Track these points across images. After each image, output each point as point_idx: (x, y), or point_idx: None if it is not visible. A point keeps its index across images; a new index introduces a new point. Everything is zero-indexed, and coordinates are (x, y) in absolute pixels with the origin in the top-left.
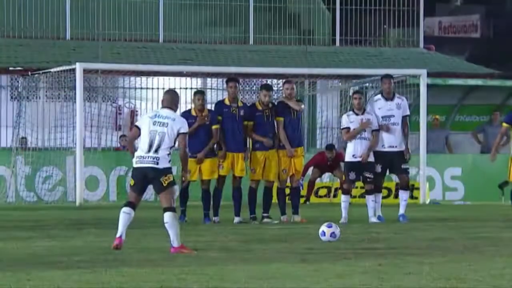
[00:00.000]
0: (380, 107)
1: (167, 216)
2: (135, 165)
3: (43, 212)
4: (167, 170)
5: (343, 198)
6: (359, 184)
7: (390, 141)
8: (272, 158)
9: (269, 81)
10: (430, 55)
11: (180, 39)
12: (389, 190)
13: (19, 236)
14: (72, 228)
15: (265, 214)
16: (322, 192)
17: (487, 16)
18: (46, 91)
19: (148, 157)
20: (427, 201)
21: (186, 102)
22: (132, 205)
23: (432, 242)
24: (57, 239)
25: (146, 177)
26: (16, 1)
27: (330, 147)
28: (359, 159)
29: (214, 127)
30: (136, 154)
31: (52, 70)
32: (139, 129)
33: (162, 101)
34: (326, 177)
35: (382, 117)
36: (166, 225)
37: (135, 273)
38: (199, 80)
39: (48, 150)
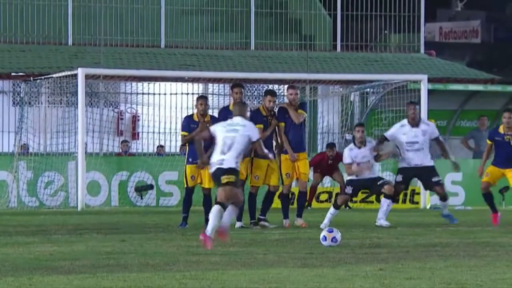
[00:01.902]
0: (405, 133)
1: (214, 208)
2: (211, 170)
3: (45, 217)
4: (231, 170)
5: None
6: None
7: (415, 161)
8: (275, 164)
9: (270, 87)
10: (431, 60)
11: (181, 45)
12: None
13: (21, 241)
14: (73, 233)
15: (261, 217)
16: (323, 197)
17: (487, 21)
18: (48, 97)
19: (218, 160)
20: (428, 206)
21: (187, 107)
22: (223, 205)
23: (432, 247)
24: (58, 244)
25: (216, 177)
26: (18, 6)
27: (331, 145)
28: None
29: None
30: (211, 159)
31: (54, 75)
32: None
33: (234, 110)
34: (327, 182)
35: (407, 143)
36: (210, 214)
37: (136, 277)
38: (201, 86)
39: (50, 155)
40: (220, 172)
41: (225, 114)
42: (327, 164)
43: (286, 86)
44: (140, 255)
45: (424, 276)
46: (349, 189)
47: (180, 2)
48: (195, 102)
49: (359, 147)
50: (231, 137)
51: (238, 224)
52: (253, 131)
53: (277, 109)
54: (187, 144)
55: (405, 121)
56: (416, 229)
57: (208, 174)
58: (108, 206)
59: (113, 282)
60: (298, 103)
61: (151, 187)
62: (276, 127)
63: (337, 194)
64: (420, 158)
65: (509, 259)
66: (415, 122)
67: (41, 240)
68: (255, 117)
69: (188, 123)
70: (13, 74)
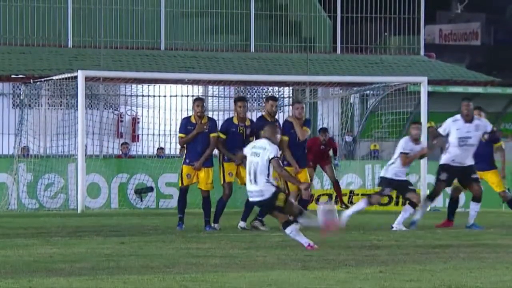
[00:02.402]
0: (458, 128)
1: (289, 229)
2: (250, 199)
3: (45, 219)
4: (273, 196)
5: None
6: (359, 191)
7: (461, 159)
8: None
9: (270, 89)
10: (431, 62)
11: (181, 47)
12: (390, 197)
13: (21, 243)
14: (73, 235)
15: (259, 218)
16: (323, 199)
17: (487, 24)
18: (48, 99)
19: (255, 191)
20: (428, 209)
21: (187, 109)
22: (290, 222)
23: (432, 249)
24: (58, 246)
25: (266, 208)
26: (18, 9)
27: (324, 129)
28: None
29: (212, 135)
30: (247, 188)
31: (54, 77)
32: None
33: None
34: (328, 184)
35: (459, 138)
36: (291, 234)
37: (136, 280)
38: (201, 88)
39: (50, 157)
40: (266, 203)
41: (228, 126)
42: (319, 149)
43: (287, 88)
44: (140, 257)
45: (424, 279)
46: (387, 191)
47: (180, 4)
48: (191, 104)
49: (415, 144)
50: (254, 163)
51: (241, 223)
52: (273, 151)
53: (282, 122)
54: (185, 146)
55: (458, 116)
56: (416, 232)
57: (204, 176)
58: (108, 208)
59: (113, 284)
60: (304, 119)
61: (151, 189)
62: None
63: (336, 197)
64: (467, 156)
65: (509, 261)
66: (469, 118)
67: (41, 242)
68: (262, 125)
69: (185, 125)
70: (13, 76)
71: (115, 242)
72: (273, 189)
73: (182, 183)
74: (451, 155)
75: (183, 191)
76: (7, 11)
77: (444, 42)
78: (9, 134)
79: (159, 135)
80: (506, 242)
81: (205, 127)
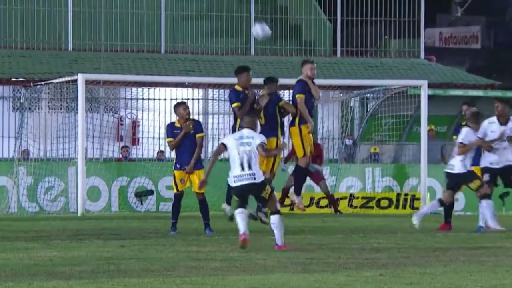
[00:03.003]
0: (493, 130)
1: (274, 218)
2: (234, 184)
3: (45, 222)
4: (263, 184)
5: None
6: (359, 194)
7: (500, 160)
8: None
9: None
10: (431, 66)
11: (181, 50)
12: (390, 200)
13: (21, 246)
14: (74, 239)
15: (262, 210)
16: (323, 202)
17: (487, 27)
18: (48, 102)
19: (244, 174)
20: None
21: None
22: (243, 205)
23: (432, 252)
24: (58, 249)
25: (250, 191)
26: (19, 12)
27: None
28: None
29: (198, 135)
30: (232, 174)
31: (54, 81)
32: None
33: (247, 122)
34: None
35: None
36: (272, 225)
37: (136, 283)
38: (201, 91)
39: (50, 160)
40: (256, 186)
41: (171, 129)
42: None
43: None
44: (140, 260)
45: (424, 282)
46: (486, 177)
47: (180, 7)
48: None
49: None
50: (247, 151)
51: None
52: (260, 138)
53: (296, 81)
54: (175, 150)
55: (493, 118)
56: (416, 235)
57: (197, 179)
58: (108, 211)
59: None
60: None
61: (151, 192)
62: (297, 99)
63: (337, 200)
64: (505, 156)
65: (509, 264)
66: (504, 119)
67: (41, 245)
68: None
69: (172, 130)
70: (13, 79)
71: (115, 245)
72: (263, 177)
73: (176, 189)
74: (489, 158)
75: (178, 197)
76: (7, 14)
77: (444, 45)
78: (9, 137)
79: (159, 138)
80: (506, 245)
81: (191, 126)
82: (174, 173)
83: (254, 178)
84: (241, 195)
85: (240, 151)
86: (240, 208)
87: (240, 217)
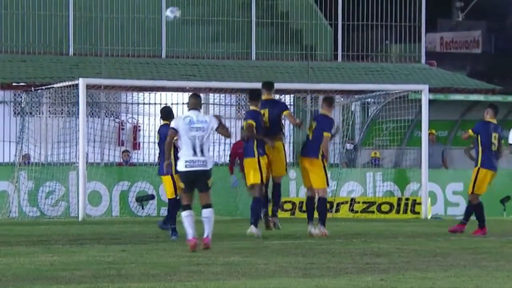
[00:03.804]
0: None
1: (208, 212)
2: (183, 169)
3: (46, 227)
4: (210, 172)
5: None
6: (360, 199)
7: None
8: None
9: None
10: (432, 70)
11: (182, 55)
12: (391, 205)
13: (22, 251)
14: (74, 243)
15: (275, 213)
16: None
17: (488, 32)
18: (49, 107)
19: (197, 160)
20: (429, 216)
21: None
22: (189, 207)
23: (433, 257)
24: (59, 254)
25: (196, 178)
26: (20, 16)
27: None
28: None
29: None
30: (185, 158)
31: (55, 85)
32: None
33: (192, 104)
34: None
35: None
36: (205, 219)
37: (137, 287)
38: (202, 96)
39: (51, 165)
40: (205, 174)
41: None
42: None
43: (288, 96)
44: (141, 265)
45: (425, 286)
46: None
47: (181, 12)
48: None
49: None
50: (200, 136)
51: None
52: (214, 122)
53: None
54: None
55: None
56: (417, 239)
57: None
58: (109, 216)
59: None
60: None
61: (152, 197)
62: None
63: (338, 204)
64: None
65: (510, 269)
66: None
67: (42, 250)
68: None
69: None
70: (14, 84)
71: (116, 250)
72: (212, 164)
73: (176, 194)
74: None
75: (179, 202)
76: (8, 19)
77: (445, 50)
78: (10, 142)
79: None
80: (507, 250)
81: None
82: (170, 178)
83: (206, 165)
84: (190, 181)
85: (190, 136)
86: (187, 210)
87: (187, 221)
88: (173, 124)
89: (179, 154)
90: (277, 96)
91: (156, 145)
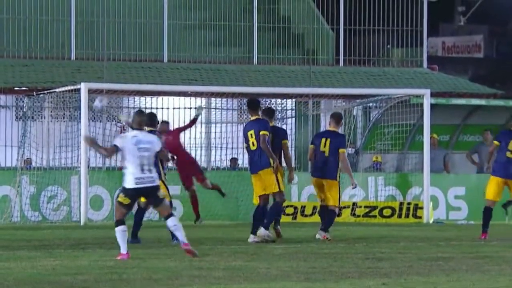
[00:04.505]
0: None
1: (173, 220)
2: (134, 186)
3: (48, 231)
4: (159, 186)
5: None
6: (362, 203)
7: None
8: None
9: (273, 101)
10: (434, 75)
11: (184, 59)
12: (393, 209)
13: (24, 255)
14: (76, 248)
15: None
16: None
17: (490, 36)
18: (51, 111)
19: (147, 177)
20: (431, 221)
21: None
22: (124, 222)
23: (435, 262)
24: (61, 258)
25: (147, 195)
26: (22, 21)
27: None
28: None
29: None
30: (134, 176)
31: (57, 90)
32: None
33: (138, 123)
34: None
35: None
36: (174, 227)
37: None
38: (203, 100)
39: (53, 169)
40: (155, 189)
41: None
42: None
43: (290, 101)
44: (143, 269)
45: None
46: None
47: (183, 17)
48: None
49: None
50: (146, 156)
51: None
52: (158, 144)
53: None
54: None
55: None
56: (419, 244)
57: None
58: (111, 220)
59: None
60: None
61: None
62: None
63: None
64: None
65: None
66: None
67: (43, 254)
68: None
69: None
70: (16, 88)
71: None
72: (158, 179)
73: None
74: None
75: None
76: (10, 23)
77: (447, 55)
78: (12, 146)
79: None
80: (509, 255)
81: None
82: (164, 182)
83: (154, 181)
84: (136, 197)
85: (138, 156)
86: (122, 225)
87: (121, 235)
88: (118, 142)
89: (126, 172)
90: (278, 101)
91: None
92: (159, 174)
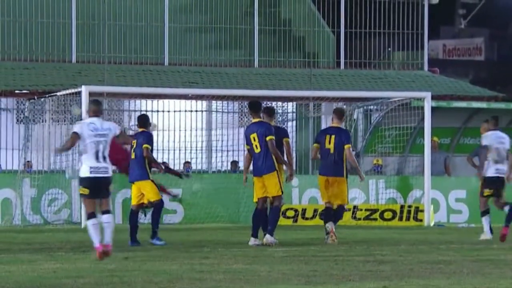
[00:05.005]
0: None
1: (109, 217)
2: (88, 175)
3: (49, 234)
4: (112, 178)
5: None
6: (363, 206)
7: None
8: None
9: (274, 104)
10: (435, 77)
11: (185, 62)
12: (394, 212)
13: (25, 258)
14: (77, 251)
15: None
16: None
17: (491, 39)
18: (52, 114)
19: (102, 167)
20: (432, 224)
21: (191, 124)
22: (94, 214)
23: (436, 265)
24: (62, 261)
25: (101, 186)
26: (22, 24)
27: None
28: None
29: (145, 146)
30: (89, 165)
31: (58, 93)
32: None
33: (94, 111)
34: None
35: None
36: (106, 224)
37: None
38: (204, 103)
39: (53, 172)
40: (107, 181)
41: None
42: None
43: (291, 103)
44: (144, 272)
45: None
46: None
47: (184, 19)
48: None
49: None
50: (103, 142)
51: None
52: (116, 129)
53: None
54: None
55: None
56: (419, 247)
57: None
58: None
59: None
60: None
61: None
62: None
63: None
64: None
65: None
66: None
67: (44, 257)
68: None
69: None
70: (17, 91)
71: (118, 257)
72: (111, 170)
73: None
74: None
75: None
76: (11, 26)
77: (447, 58)
78: (13, 149)
79: (162, 150)
80: (509, 258)
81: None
82: (154, 182)
83: (108, 172)
84: (95, 187)
85: (95, 142)
86: (93, 219)
87: (94, 228)
88: (76, 129)
89: (82, 159)
90: (279, 104)
91: (159, 152)
92: (147, 174)
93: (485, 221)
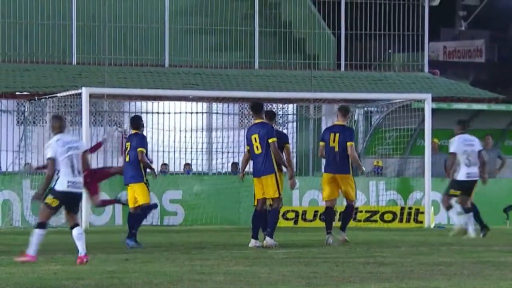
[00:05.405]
0: None
1: (78, 229)
2: (65, 189)
3: (49, 236)
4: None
5: None
6: (363, 208)
7: None
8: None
9: (274, 106)
10: (435, 79)
11: (185, 64)
12: (394, 214)
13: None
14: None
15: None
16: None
17: (491, 41)
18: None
19: (78, 182)
20: (432, 225)
21: (191, 126)
22: (46, 226)
23: (436, 266)
24: (62, 263)
25: (73, 200)
26: (23, 26)
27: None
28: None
29: (139, 150)
30: (66, 178)
31: (58, 94)
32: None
33: (59, 127)
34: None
35: None
36: (79, 235)
37: None
38: (205, 105)
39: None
40: (80, 196)
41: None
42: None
43: (291, 105)
44: (144, 274)
45: None
46: None
47: (184, 21)
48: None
49: None
50: (75, 156)
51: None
52: (84, 146)
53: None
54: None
55: None
56: (420, 248)
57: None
58: (112, 225)
59: None
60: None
61: (154, 206)
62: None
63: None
64: None
65: None
66: None
67: (45, 259)
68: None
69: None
70: (17, 93)
71: (119, 259)
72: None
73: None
74: None
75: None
76: (12, 28)
77: (448, 59)
78: (13, 151)
79: (163, 151)
80: (510, 260)
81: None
82: (147, 185)
83: (81, 187)
84: (69, 201)
85: (68, 157)
86: (43, 229)
87: (38, 239)
88: (50, 154)
89: (60, 174)
90: (280, 105)
91: (159, 153)
92: (141, 176)
93: (451, 214)
